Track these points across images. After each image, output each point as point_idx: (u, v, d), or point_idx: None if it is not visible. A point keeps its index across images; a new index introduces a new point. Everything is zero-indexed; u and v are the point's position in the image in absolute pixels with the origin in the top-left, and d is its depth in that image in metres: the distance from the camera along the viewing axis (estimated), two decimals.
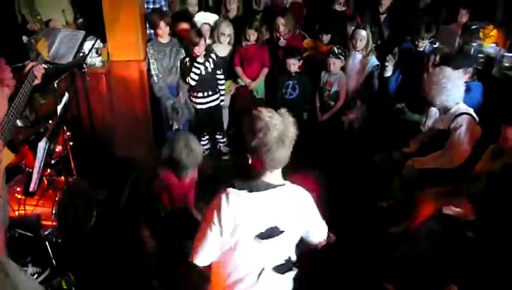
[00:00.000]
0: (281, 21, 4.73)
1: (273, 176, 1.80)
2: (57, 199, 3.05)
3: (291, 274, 1.98)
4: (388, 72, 4.50)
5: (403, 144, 3.84)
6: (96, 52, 4.24)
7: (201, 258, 1.86)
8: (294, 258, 1.96)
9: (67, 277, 3.02)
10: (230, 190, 1.79)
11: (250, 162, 1.78)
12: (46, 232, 3.03)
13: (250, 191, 1.77)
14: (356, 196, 4.15)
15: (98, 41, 4.13)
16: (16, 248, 2.97)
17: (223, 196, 1.78)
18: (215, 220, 1.77)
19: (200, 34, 4.22)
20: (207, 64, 4.33)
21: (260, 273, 1.86)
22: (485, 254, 2.59)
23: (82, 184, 3.38)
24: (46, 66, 3.23)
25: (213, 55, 4.41)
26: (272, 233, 1.78)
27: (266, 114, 1.72)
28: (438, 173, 3.47)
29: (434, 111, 3.72)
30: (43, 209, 3.05)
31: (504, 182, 2.79)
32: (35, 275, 2.97)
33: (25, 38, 4.28)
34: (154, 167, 4.40)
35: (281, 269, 1.90)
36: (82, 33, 3.92)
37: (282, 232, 1.79)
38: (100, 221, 3.52)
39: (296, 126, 1.77)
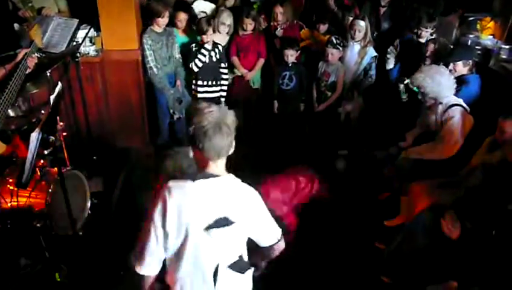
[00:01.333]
0: (279, 9, 4.68)
1: (217, 167, 1.78)
2: (50, 190, 3.00)
3: (249, 273, 1.94)
4: (390, 64, 4.47)
5: (399, 138, 3.84)
6: (90, 41, 4.17)
7: (148, 267, 1.80)
8: (246, 257, 1.91)
9: (61, 269, 2.99)
10: (171, 183, 1.75)
11: (192, 154, 1.81)
12: (39, 224, 2.98)
13: (194, 180, 1.74)
14: (352, 189, 4.15)
15: (92, 30, 4.06)
16: (9, 239, 2.94)
17: (165, 191, 1.73)
18: (158, 217, 1.72)
19: (209, 22, 4.23)
20: (212, 53, 4.31)
21: (216, 272, 1.81)
22: (483, 247, 2.58)
23: (76, 175, 3.33)
24: (38, 55, 3.18)
25: (220, 47, 4.37)
26: (221, 223, 1.73)
27: (203, 104, 1.75)
28: (432, 165, 3.48)
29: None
30: (36, 200, 3.00)
31: (501, 174, 2.79)
32: (28, 268, 2.93)
33: (16, 25, 4.19)
34: (148, 157, 4.43)
35: (236, 266, 1.85)
36: (75, 21, 3.86)
37: (231, 223, 1.75)
38: (94, 213, 3.48)
39: (235, 119, 1.76)
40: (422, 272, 2.88)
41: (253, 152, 4.51)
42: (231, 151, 1.78)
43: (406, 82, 3.94)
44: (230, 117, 1.74)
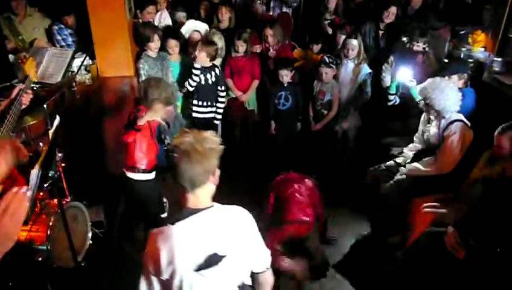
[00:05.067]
0: (269, 32, 4.73)
1: (197, 199, 1.70)
2: (50, 223, 2.97)
3: None
4: (387, 82, 4.43)
5: (397, 154, 3.85)
6: (85, 69, 4.19)
7: None
8: (248, 281, 1.83)
9: None
10: (153, 230, 1.71)
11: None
12: (40, 258, 2.95)
13: (173, 223, 1.67)
14: (352, 206, 4.15)
15: (87, 58, 4.07)
16: (10, 274, 2.91)
17: (149, 240, 1.69)
18: (149, 264, 1.68)
19: (193, 46, 4.32)
20: (208, 75, 4.33)
21: None
22: (488, 264, 2.57)
23: (76, 206, 3.31)
24: (35, 87, 3.18)
25: (217, 70, 4.40)
26: (211, 261, 1.65)
27: (187, 131, 1.72)
28: (432, 180, 3.48)
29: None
30: (36, 234, 2.97)
31: (501, 190, 2.79)
32: None
33: (11, 56, 4.21)
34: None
35: None
36: (70, 51, 3.87)
37: (223, 257, 1.67)
38: (96, 242, 3.46)
39: (217, 145, 1.70)
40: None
41: (251, 173, 4.52)
42: (211, 179, 1.70)
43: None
44: (208, 144, 1.66)
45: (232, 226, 1.71)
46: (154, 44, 4.20)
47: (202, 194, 1.71)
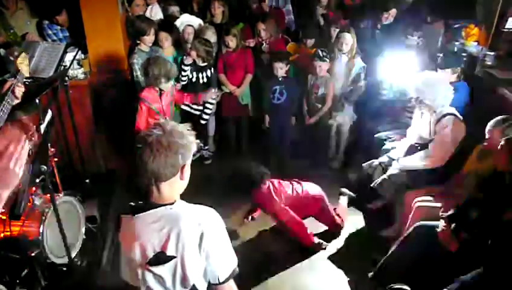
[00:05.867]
0: (261, 26, 4.73)
1: (160, 193, 1.65)
2: (43, 218, 2.96)
3: None
4: (381, 76, 4.44)
5: (390, 148, 3.86)
6: (78, 64, 4.15)
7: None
8: (202, 287, 1.68)
9: None
10: (122, 217, 1.75)
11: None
12: (33, 253, 2.94)
13: (133, 213, 1.67)
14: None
15: (79, 52, 4.04)
16: (3, 270, 2.90)
17: (121, 223, 1.77)
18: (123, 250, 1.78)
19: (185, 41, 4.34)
20: (200, 75, 4.33)
21: None
22: (481, 257, 2.59)
23: (69, 200, 3.30)
24: (27, 82, 3.15)
25: (210, 71, 4.39)
26: (159, 260, 1.63)
27: (156, 123, 1.66)
28: (425, 174, 3.50)
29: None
30: (29, 229, 2.96)
31: (493, 183, 2.81)
32: None
33: (2, 51, 4.17)
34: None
35: None
36: (62, 45, 3.82)
37: (171, 257, 1.61)
38: (90, 237, 3.45)
39: (186, 139, 1.63)
40: (420, 284, 2.89)
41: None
42: (178, 175, 1.64)
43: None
44: (175, 138, 1.60)
45: (189, 228, 1.60)
46: (150, 38, 4.18)
47: (166, 189, 1.65)
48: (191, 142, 1.66)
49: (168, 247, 1.60)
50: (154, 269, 1.64)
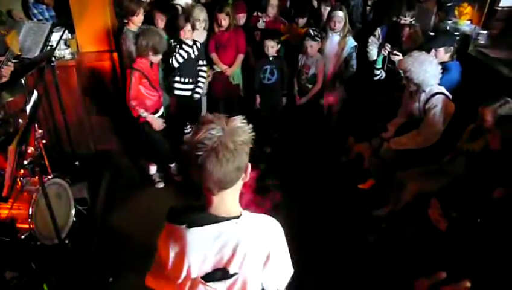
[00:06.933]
0: (275, 1, 4.70)
1: (224, 204, 1.46)
2: (32, 200, 2.93)
3: None
4: (373, 56, 4.39)
5: (381, 129, 3.85)
6: (65, 44, 4.06)
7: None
8: None
9: (49, 280, 2.94)
10: (168, 226, 1.52)
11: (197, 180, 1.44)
12: (23, 236, 2.92)
13: (189, 226, 1.45)
14: (336, 179, 4.17)
15: (66, 32, 3.95)
16: None
17: (163, 234, 1.54)
18: (158, 258, 1.55)
19: (187, 19, 4.19)
20: (191, 50, 4.23)
21: None
22: (470, 236, 2.61)
23: (58, 183, 3.26)
24: (12, 62, 3.08)
25: (198, 44, 4.30)
26: (219, 276, 1.48)
27: (209, 118, 1.42)
28: (415, 154, 3.50)
29: None
30: (18, 212, 2.93)
31: (484, 162, 2.81)
32: (14, 281, 2.87)
33: None
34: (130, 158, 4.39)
35: None
36: (48, 24, 3.74)
37: (233, 275, 1.48)
38: (80, 219, 3.43)
39: (248, 134, 1.42)
40: (410, 263, 2.91)
41: None
42: (242, 176, 1.45)
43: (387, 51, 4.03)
44: (239, 137, 1.38)
45: (256, 247, 1.48)
46: (139, 18, 4.08)
47: (230, 198, 1.47)
48: (250, 134, 1.44)
49: (232, 265, 1.46)
50: (212, 284, 1.50)
